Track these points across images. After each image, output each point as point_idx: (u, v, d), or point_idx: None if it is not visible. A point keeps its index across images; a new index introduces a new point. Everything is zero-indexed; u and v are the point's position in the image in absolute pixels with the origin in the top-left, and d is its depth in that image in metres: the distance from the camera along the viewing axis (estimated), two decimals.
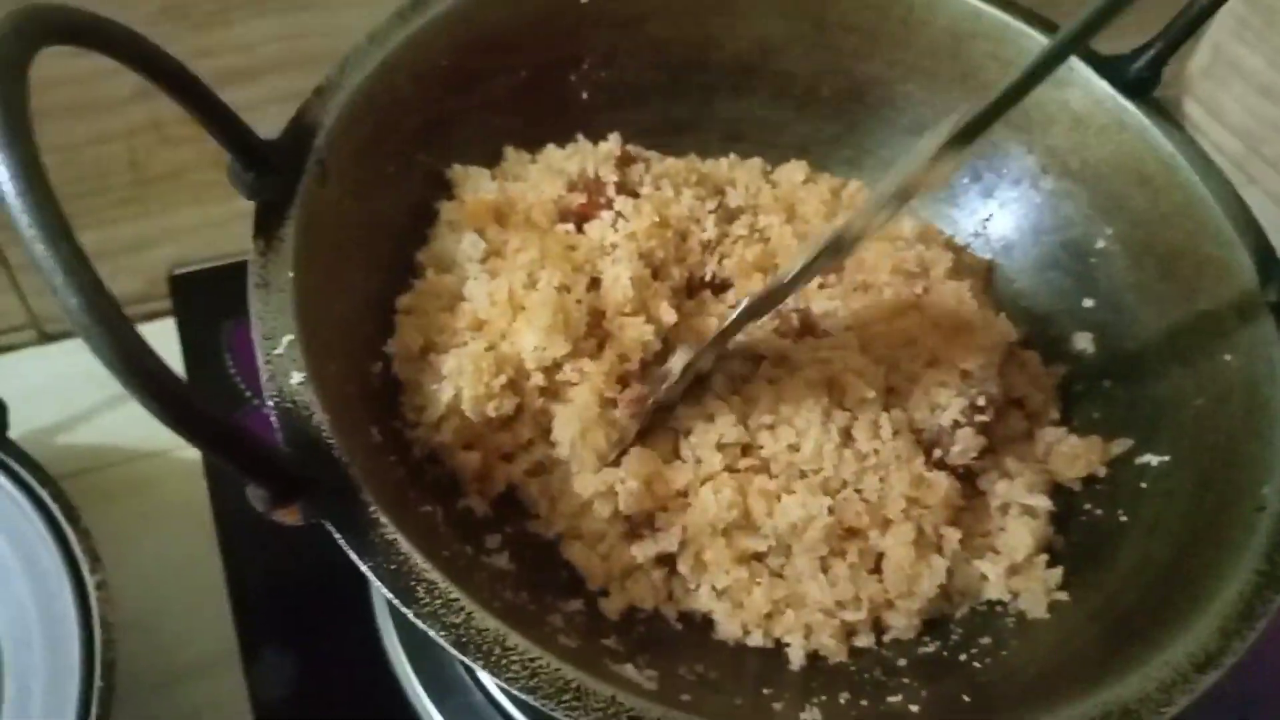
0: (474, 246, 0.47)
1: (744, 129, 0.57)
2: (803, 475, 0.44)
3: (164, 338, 0.68)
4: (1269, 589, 0.36)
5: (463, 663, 0.47)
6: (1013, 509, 0.46)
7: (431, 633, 0.32)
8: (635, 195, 0.50)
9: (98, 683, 0.47)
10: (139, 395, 0.27)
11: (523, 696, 0.31)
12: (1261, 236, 0.46)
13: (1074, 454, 0.47)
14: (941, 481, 0.44)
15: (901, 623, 0.43)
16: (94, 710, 0.46)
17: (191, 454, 0.62)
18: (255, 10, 0.63)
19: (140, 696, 0.55)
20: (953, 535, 0.44)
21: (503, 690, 0.48)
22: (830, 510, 0.42)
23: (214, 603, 0.57)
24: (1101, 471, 0.47)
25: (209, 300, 0.69)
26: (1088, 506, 0.47)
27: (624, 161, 0.51)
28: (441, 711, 0.49)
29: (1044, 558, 0.45)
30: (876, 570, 0.44)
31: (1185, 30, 0.48)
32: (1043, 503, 0.46)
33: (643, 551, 0.43)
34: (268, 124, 0.42)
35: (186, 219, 0.71)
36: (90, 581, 0.50)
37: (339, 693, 0.51)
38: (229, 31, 0.64)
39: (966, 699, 0.38)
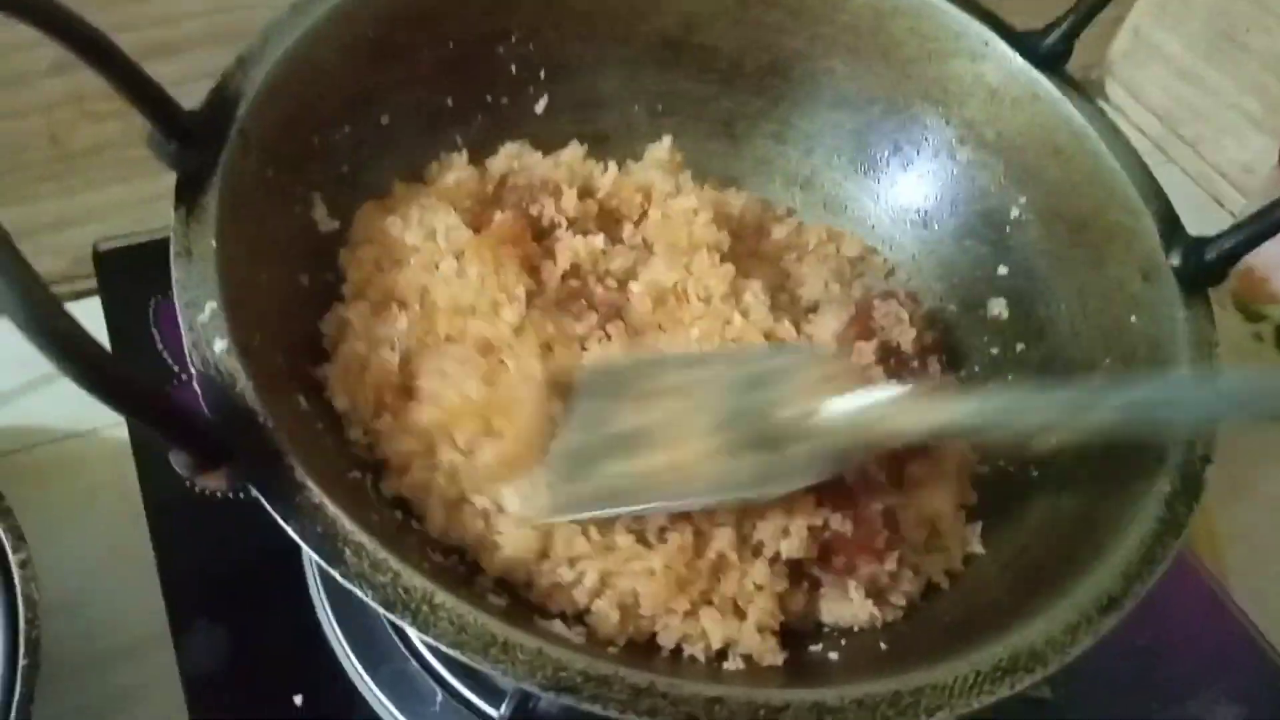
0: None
1: (670, 103, 0.58)
2: None
3: (89, 317, 0.67)
4: (1168, 535, 0.38)
5: (394, 626, 0.48)
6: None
7: (359, 593, 0.32)
8: None
9: (22, 661, 0.46)
10: (53, 357, 0.27)
11: (451, 652, 0.32)
12: (1166, 204, 0.48)
13: None
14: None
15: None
16: (18, 689, 0.46)
17: (119, 433, 0.61)
18: None
19: (68, 678, 0.54)
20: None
21: (433, 652, 0.48)
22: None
23: (144, 583, 0.56)
24: None
25: (135, 276, 0.67)
26: (1001, 463, 0.48)
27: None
28: (375, 680, 0.49)
29: (962, 514, 0.46)
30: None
31: (1096, 4, 0.50)
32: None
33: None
34: (194, 99, 0.42)
35: (112, 196, 0.69)
36: (13, 559, 0.49)
37: (273, 668, 0.51)
38: (152, 4, 0.62)
39: (884, 647, 0.39)
